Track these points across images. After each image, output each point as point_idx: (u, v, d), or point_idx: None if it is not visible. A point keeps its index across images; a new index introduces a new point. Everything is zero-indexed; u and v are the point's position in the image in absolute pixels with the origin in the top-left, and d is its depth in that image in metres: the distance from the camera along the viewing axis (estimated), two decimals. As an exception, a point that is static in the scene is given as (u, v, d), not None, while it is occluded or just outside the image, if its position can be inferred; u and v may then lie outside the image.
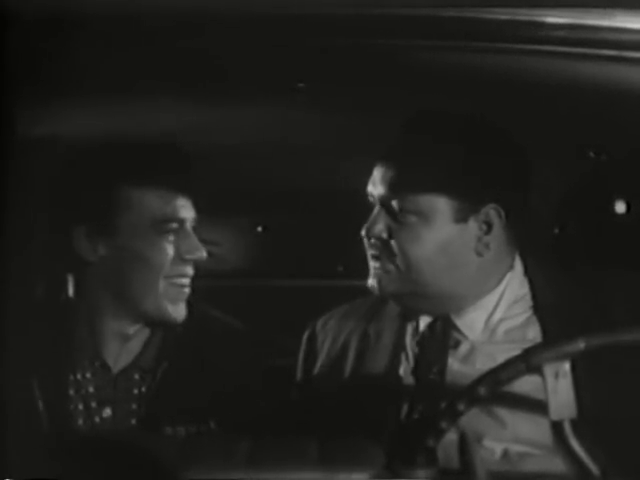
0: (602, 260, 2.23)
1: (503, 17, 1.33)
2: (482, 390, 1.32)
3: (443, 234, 1.71)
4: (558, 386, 1.32)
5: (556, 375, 1.32)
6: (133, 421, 1.79)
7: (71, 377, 1.80)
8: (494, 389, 1.33)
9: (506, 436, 1.65)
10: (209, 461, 1.28)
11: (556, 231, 2.30)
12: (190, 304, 1.82)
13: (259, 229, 3.05)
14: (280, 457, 1.31)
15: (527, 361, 1.33)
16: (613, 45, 1.34)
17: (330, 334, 1.90)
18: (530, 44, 1.35)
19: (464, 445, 1.27)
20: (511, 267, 1.77)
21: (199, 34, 1.37)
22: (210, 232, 2.93)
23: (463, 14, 1.33)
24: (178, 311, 1.80)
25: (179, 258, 1.79)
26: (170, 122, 1.88)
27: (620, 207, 2.30)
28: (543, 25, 1.33)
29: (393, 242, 1.73)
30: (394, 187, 1.72)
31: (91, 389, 1.80)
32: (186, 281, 1.81)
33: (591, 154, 2.05)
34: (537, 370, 1.33)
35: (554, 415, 1.33)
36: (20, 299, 1.38)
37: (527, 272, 1.78)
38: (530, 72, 1.46)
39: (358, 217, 1.77)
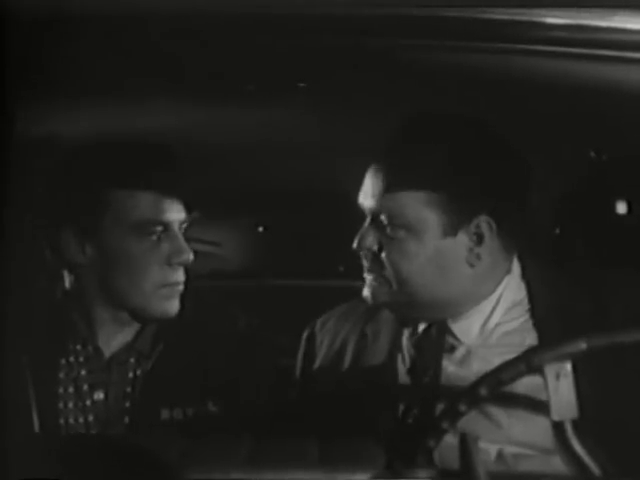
0: (603, 262, 2.23)
1: (503, 17, 1.33)
2: (483, 391, 1.32)
3: (432, 247, 1.70)
4: (559, 386, 1.31)
5: (557, 375, 1.31)
6: (127, 404, 1.79)
7: (62, 361, 1.81)
8: (495, 390, 1.33)
9: (501, 437, 1.64)
10: (209, 461, 1.28)
11: (557, 232, 2.30)
12: (186, 297, 1.82)
13: (260, 229, 3.05)
14: (281, 457, 1.31)
15: (528, 361, 1.32)
16: (613, 45, 1.34)
17: (328, 335, 1.90)
18: (530, 44, 1.35)
19: (464, 446, 1.27)
20: (508, 271, 1.76)
21: (199, 34, 1.37)
22: (211, 232, 2.94)
23: (463, 14, 1.33)
24: (171, 307, 1.80)
25: (167, 263, 1.79)
26: (170, 122, 1.88)
27: (621, 207, 2.30)
28: (543, 25, 1.33)
29: (383, 255, 1.72)
30: (382, 200, 1.71)
31: (83, 372, 1.80)
32: (178, 286, 1.81)
33: (592, 154, 2.05)
34: (538, 370, 1.32)
35: (555, 415, 1.33)
36: (21, 291, 1.39)
37: (524, 275, 1.77)
38: (530, 72, 1.46)
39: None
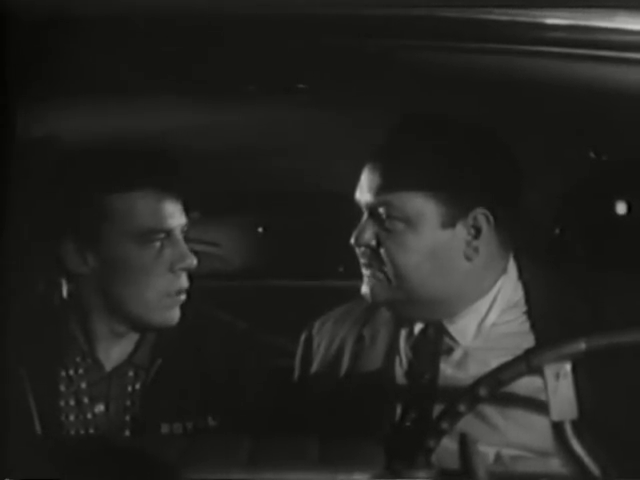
0: (602, 262, 2.23)
1: (503, 18, 1.33)
2: (483, 391, 1.32)
3: (431, 240, 1.70)
4: (559, 387, 1.32)
5: (557, 376, 1.32)
6: (127, 417, 1.79)
7: (62, 373, 1.80)
8: (495, 390, 1.33)
9: (498, 440, 1.65)
10: (209, 461, 1.28)
11: (557, 232, 2.30)
12: (186, 305, 1.82)
13: (260, 230, 3.05)
14: (281, 457, 1.31)
15: (528, 362, 1.33)
16: (613, 46, 1.34)
17: (326, 336, 1.90)
18: (530, 45, 1.35)
19: (464, 446, 1.27)
20: (504, 271, 1.76)
21: (199, 34, 1.37)
22: (211, 233, 2.94)
23: (463, 14, 1.33)
24: (171, 317, 1.80)
25: (170, 270, 1.78)
26: (170, 123, 1.88)
27: (621, 208, 2.30)
28: (543, 26, 1.33)
29: (382, 250, 1.72)
30: (380, 194, 1.71)
31: (83, 385, 1.80)
32: (180, 295, 1.80)
33: (591, 154, 2.05)
34: (538, 371, 1.33)
35: (555, 416, 1.33)
36: (19, 299, 1.38)
37: (521, 276, 1.77)
38: (530, 73, 1.46)
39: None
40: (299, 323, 1.97)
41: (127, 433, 1.78)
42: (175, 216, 1.79)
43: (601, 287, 1.76)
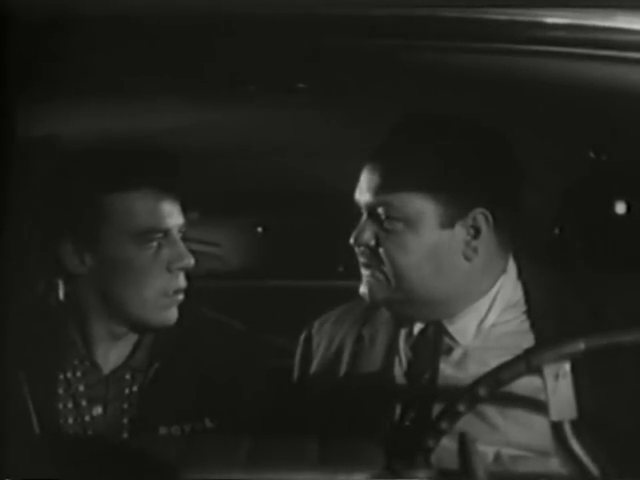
0: (601, 262, 2.23)
1: (503, 17, 1.33)
2: (482, 391, 1.32)
3: (430, 240, 1.70)
4: (558, 387, 1.32)
5: (556, 376, 1.32)
6: (125, 420, 1.79)
7: (60, 376, 1.80)
8: (494, 390, 1.33)
9: (498, 439, 1.65)
10: (209, 461, 1.28)
11: (556, 232, 2.30)
12: (183, 305, 1.82)
13: (259, 230, 3.05)
14: (280, 457, 1.31)
15: (527, 362, 1.33)
16: (613, 45, 1.34)
17: (326, 336, 1.90)
18: (530, 44, 1.35)
19: (463, 446, 1.27)
20: (504, 271, 1.76)
21: (199, 34, 1.37)
22: (211, 233, 2.95)
23: (463, 14, 1.33)
24: (169, 317, 1.79)
25: (167, 270, 1.78)
26: (169, 123, 1.88)
27: (620, 208, 2.30)
28: (543, 25, 1.33)
29: (381, 250, 1.72)
30: (379, 194, 1.72)
31: (81, 388, 1.80)
32: (178, 295, 1.80)
33: (591, 154, 2.05)
34: (537, 371, 1.33)
35: (554, 416, 1.33)
36: (18, 300, 1.38)
37: (521, 275, 1.77)
38: (530, 72, 1.46)
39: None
40: (299, 323, 1.97)
41: (125, 436, 1.78)
42: (173, 216, 1.79)
43: (601, 287, 1.76)
